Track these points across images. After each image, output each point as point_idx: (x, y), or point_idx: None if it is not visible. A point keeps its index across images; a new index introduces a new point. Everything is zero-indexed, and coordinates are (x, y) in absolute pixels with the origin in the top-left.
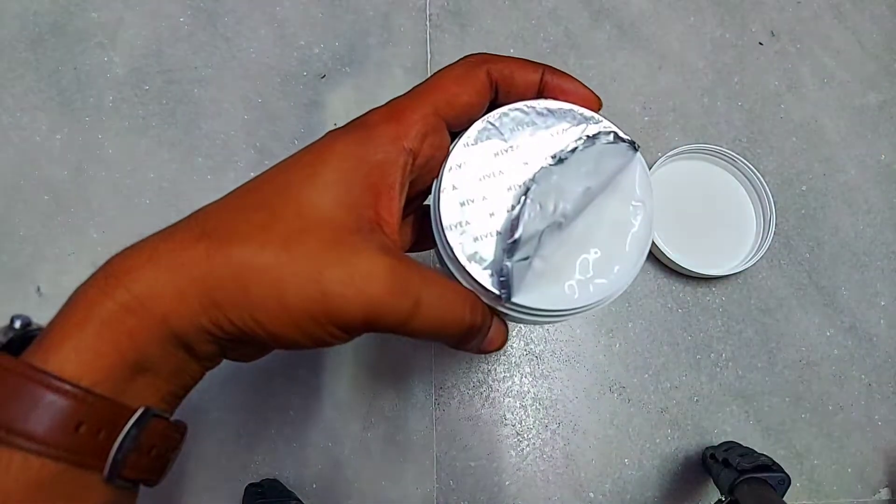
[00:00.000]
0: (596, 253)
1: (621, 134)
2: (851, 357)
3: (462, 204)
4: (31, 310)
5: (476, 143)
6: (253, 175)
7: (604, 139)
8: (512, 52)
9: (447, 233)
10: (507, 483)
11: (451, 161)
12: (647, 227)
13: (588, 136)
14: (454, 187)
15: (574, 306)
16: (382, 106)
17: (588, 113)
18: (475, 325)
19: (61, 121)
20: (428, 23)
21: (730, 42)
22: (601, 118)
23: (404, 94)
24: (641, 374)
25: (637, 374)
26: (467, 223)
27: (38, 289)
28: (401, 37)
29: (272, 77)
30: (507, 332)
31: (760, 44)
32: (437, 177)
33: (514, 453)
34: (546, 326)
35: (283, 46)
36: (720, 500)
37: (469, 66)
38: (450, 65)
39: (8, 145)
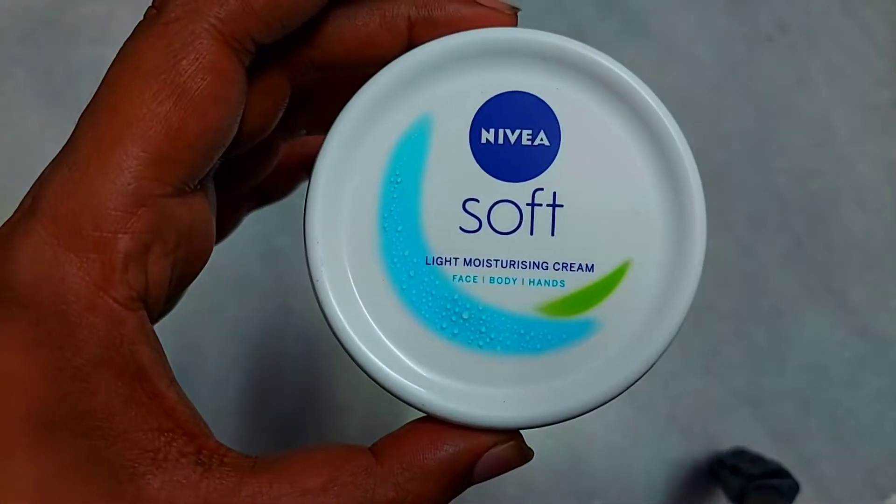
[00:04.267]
0: None
1: None
2: (863, 360)
3: None
4: None
5: None
6: None
7: None
8: None
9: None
10: (508, 489)
11: None
12: None
13: None
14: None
15: None
16: None
17: None
18: None
19: (53, 117)
20: None
21: (739, 36)
22: None
23: None
24: (649, 378)
25: (644, 379)
26: None
27: None
28: None
29: None
30: None
31: (770, 38)
32: None
33: None
34: None
35: None
36: None
37: None
38: None
39: None
